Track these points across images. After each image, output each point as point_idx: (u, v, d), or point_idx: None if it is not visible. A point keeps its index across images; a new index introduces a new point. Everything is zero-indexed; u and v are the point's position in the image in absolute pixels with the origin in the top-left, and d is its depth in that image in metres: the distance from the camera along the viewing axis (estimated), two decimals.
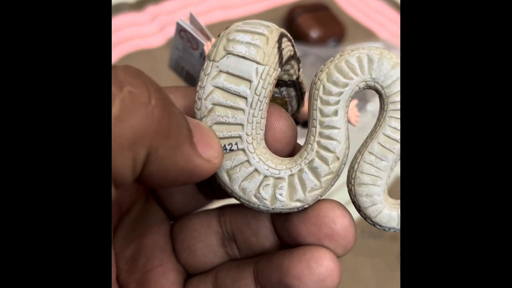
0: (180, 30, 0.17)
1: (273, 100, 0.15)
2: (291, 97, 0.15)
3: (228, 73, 0.12)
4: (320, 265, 0.12)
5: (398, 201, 0.13)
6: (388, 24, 0.56)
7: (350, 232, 0.13)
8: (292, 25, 0.48)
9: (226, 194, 0.13)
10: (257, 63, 0.12)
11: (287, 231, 0.14)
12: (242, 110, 0.12)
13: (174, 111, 0.11)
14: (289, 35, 0.13)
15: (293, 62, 0.13)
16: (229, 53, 0.12)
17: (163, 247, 0.15)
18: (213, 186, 0.15)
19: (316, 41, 0.46)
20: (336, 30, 0.48)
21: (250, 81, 0.12)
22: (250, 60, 0.12)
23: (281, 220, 0.14)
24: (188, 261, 0.15)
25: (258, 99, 0.12)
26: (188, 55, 0.18)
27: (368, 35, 0.54)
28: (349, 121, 0.18)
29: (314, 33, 0.46)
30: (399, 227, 0.13)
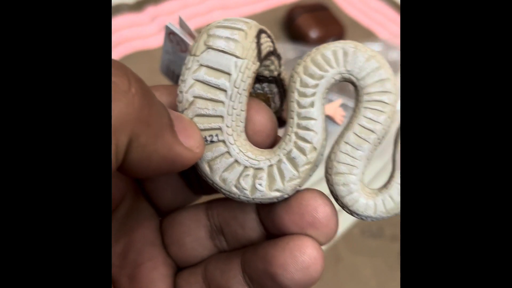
0: (169, 33, 0.17)
1: (256, 96, 0.15)
2: (273, 93, 0.15)
3: (208, 66, 0.12)
4: (303, 253, 0.12)
5: (375, 190, 0.13)
6: (387, 23, 0.56)
7: (332, 220, 0.13)
8: (291, 25, 0.48)
9: (214, 189, 0.14)
10: (236, 57, 0.12)
11: (272, 222, 0.14)
12: (222, 102, 0.12)
13: (154, 101, 0.11)
14: (268, 31, 0.13)
15: (273, 58, 0.14)
16: (209, 47, 0.12)
17: (153, 242, 0.15)
18: (200, 181, 0.15)
19: (316, 41, 0.46)
20: (335, 30, 0.48)
21: (229, 74, 0.12)
22: (229, 54, 0.12)
23: (266, 211, 0.14)
24: (178, 255, 0.16)
25: (238, 92, 0.12)
26: (178, 58, 0.18)
27: (368, 35, 0.54)
28: (334, 120, 0.19)
29: (313, 33, 0.46)
30: (375, 215, 0.13)
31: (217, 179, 0.13)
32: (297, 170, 0.13)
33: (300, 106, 0.13)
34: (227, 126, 0.12)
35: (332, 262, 0.33)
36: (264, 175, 0.13)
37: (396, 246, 0.35)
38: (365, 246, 0.34)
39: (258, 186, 0.13)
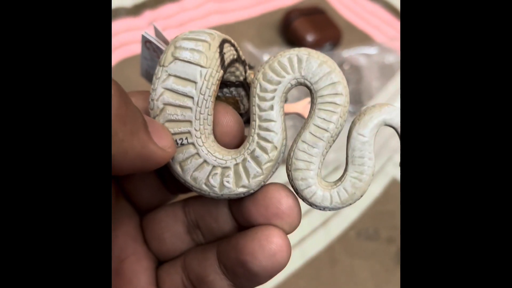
0: (146, 41, 0.19)
1: (226, 99, 0.16)
2: (241, 96, 0.16)
3: (176, 76, 0.13)
4: (270, 242, 0.13)
5: (331, 183, 0.14)
6: (383, 27, 0.57)
7: (295, 210, 0.14)
8: (288, 29, 0.48)
9: (187, 188, 0.15)
10: (201, 66, 0.13)
11: (242, 215, 0.15)
12: (190, 108, 0.13)
13: (130, 102, 0.12)
14: (232, 41, 0.14)
15: (237, 64, 0.15)
16: (176, 58, 0.13)
17: (134, 238, 0.16)
18: (176, 181, 0.16)
19: (312, 45, 0.46)
20: (332, 34, 0.48)
21: (195, 82, 0.13)
22: (194, 64, 0.13)
23: (237, 205, 0.15)
24: (158, 249, 0.17)
25: (204, 98, 0.13)
26: (155, 64, 0.19)
27: (364, 38, 0.54)
28: (303, 117, 0.20)
29: (310, 37, 0.46)
30: (331, 206, 0.14)
31: (188, 178, 0.14)
32: (261, 168, 0.14)
33: (261, 109, 0.14)
34: (196, 130, 0.14)
35: (328, 265, 0.33)
36: (231, 173, 0.14)
37: (392, 249, 0.35)
38: (361, 248, 0.35)
39: (226, 183, 0.14)
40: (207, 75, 0.13)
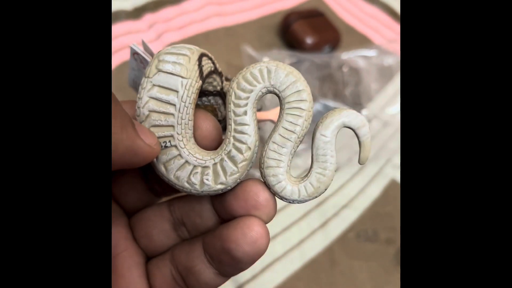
0: (134, 53, 0.21)
1: (204, 107, 0.18)
2: (218, 104, 0.18)
3: (159, 86, 0.15)
4: (252, 230, 0.15)
5: (299, 178, 0.16)
6: (382, 29, 0.57)
7: (271, 202, 0.16)
8: (287, 31, 0.48)
9: (173, 190, 0.16)
10: (182, 77, 0.15)
11: (224, 209, 0.16)
12: (172, 114, 0.15)
13: (118, 102, 0.13)
14: (209, 54, 0.16)
15: (214, 76, 0.17)
16: (159, 70, 0.15)
17: (125, 236, 0.18)
18: (161, 184, 0.18)
19: (312, 47, 0.46)
20: (331, 36, 0.48)
21: (177, 91, 0.15)
22: (176, 75, 0.15)
23: (218, 200, 0.17)
24: (147, 246, 0.18)
25: (185, 105, 0.15)
26: (141, 74, 0.21)
27: (363, 40, 0.54)
28: (274, 122, 0.22)
29: (309, 39, 0.46)
30: (300, 199, 0.16)
31: (172, 177, 0.16)
32: (236, 166, 0.15)
33: (236, 114, 0.15)
34: (178, 133, 0.15)
35: (327, 266, 0.33)
36: (210, 171, 0.16)
37: (392, 250, 0.35)
38: (360, 250, 0.35)
39: (205, 181, 0.15)
40: (188, 85, 0.15)
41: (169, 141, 0.15)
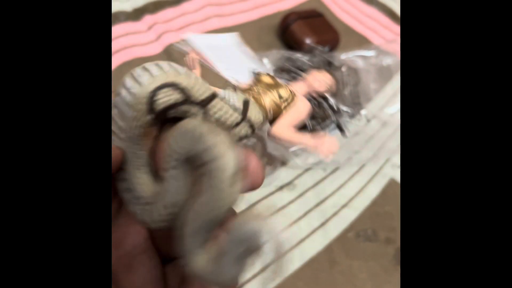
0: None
1: (216, 121, 0.17)
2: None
3: (116, 107, 0.14)
4: (250, 161, 0.14)
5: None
6: (381, 30, 0.57)
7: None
8: (286, 31, 0.48)
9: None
10: (129, 108, 0.13)
11: None
12: (123, 140, 0.14)
13: None
14: (182, 84, 0.14)
15: (184, 106, 0.15)
16: (118, 93, 0.14)
17: (144, 236, 0.18)
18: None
19: (311, 48, 0.46)
20: (330, 37, 0.48)
21: (126, 120, 0.14)
22: (126, 103, 0.13)
23: None
24: (165, 248, 0.18)
25: (133, 135, 0.14)
26: None
27: (362, 41, 0.54)
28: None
29: (308, 40, 0.46)
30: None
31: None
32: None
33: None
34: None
35: (327, 266, 0.33)
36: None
37: (391, 250, 0.35)
38: (360, 250, 0.35)
39: None
40: (131, 118, 0.14)
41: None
